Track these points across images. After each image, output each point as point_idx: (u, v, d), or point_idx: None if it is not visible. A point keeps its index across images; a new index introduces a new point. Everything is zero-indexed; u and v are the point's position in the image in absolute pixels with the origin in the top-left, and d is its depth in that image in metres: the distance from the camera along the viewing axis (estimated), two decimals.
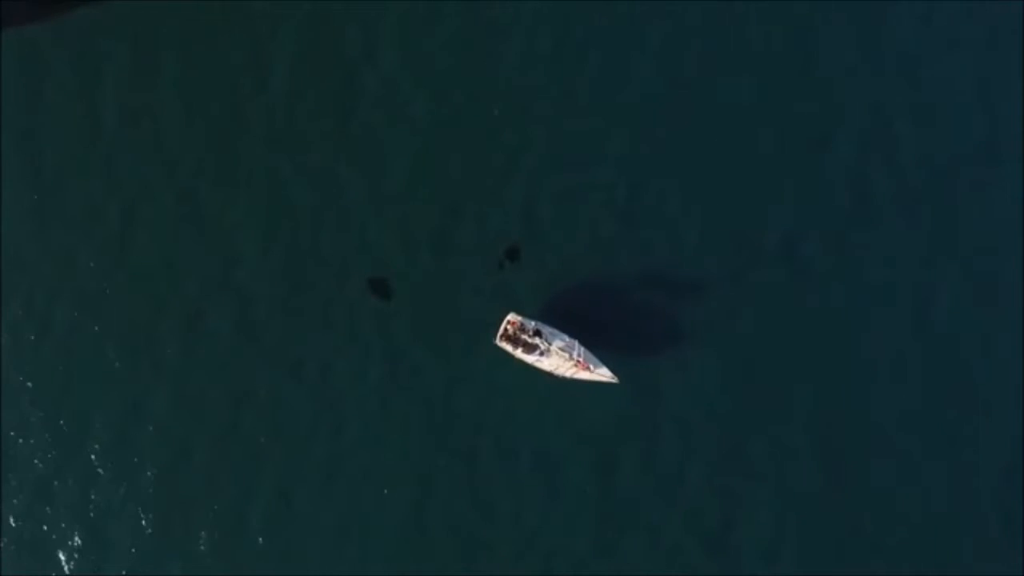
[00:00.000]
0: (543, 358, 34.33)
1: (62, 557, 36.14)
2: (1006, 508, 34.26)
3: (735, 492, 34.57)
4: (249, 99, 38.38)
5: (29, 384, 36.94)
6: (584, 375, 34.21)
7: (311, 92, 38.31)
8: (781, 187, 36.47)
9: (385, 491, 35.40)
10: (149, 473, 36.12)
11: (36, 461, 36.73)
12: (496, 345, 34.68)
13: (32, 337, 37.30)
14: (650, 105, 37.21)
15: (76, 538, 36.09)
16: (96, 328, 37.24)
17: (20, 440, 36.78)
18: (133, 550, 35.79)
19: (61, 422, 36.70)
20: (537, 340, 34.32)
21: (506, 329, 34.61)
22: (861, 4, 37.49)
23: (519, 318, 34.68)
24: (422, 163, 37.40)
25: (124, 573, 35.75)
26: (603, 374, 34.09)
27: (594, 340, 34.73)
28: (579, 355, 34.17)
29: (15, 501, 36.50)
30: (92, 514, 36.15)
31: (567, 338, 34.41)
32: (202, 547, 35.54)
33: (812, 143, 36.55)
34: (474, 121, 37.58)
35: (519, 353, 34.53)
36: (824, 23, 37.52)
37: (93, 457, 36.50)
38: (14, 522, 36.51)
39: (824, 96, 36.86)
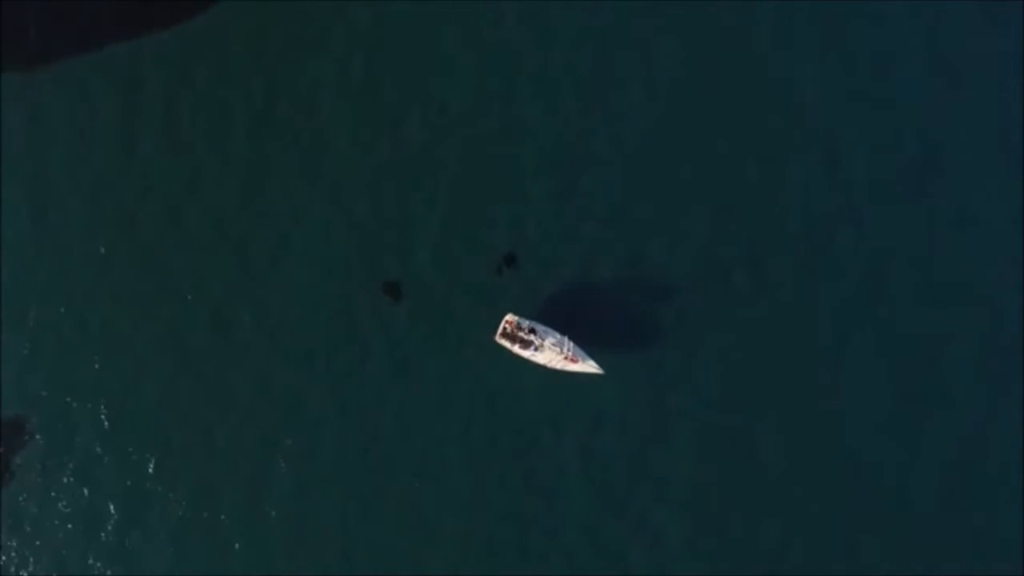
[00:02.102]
0: (537, 353, 37.39)
1: (97, 533, 38.86)
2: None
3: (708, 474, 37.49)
4: (248, 118, 41.41)
5: (63, 376, 39.99)
6: (573, 367, 37.27)
7: (312, 113, 41.08)
8: (750, 204, 39.15)
9: (390, 469, 38.22)
10: (175, 458, 39.09)
11: (75, 445, 39.57)
12: (496, 342, 37.69)
13: (66, 334, 40.29)
14: (633, 128, 39.87)
15: (114, 513, 38.98)
16: (127, 326, 40.18)
17: (57, 426, 39.73)
18: (163, 531, 38.74)
19: (101, 410, 39.69)
20: (532, 337, 37.37)
21: (504, 328, 37.65)
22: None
23: (516, 318, 37.70)
24: (431, 181, 40.12)
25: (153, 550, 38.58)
26: (590, 366, 37.17)
27: (582, 337, 37.63)
28: (569, 350, 37.18)
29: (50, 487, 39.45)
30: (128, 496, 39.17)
31: (558, 335, 37.38)
32: (224, 526, 38.43)
33: (771, 168, 39.41)
34: (476, 140, 40.19)
35: (516, 349, 37.55)
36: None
37: (127, 446, 39.40)
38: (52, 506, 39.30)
39: (783, 121, 39.73)
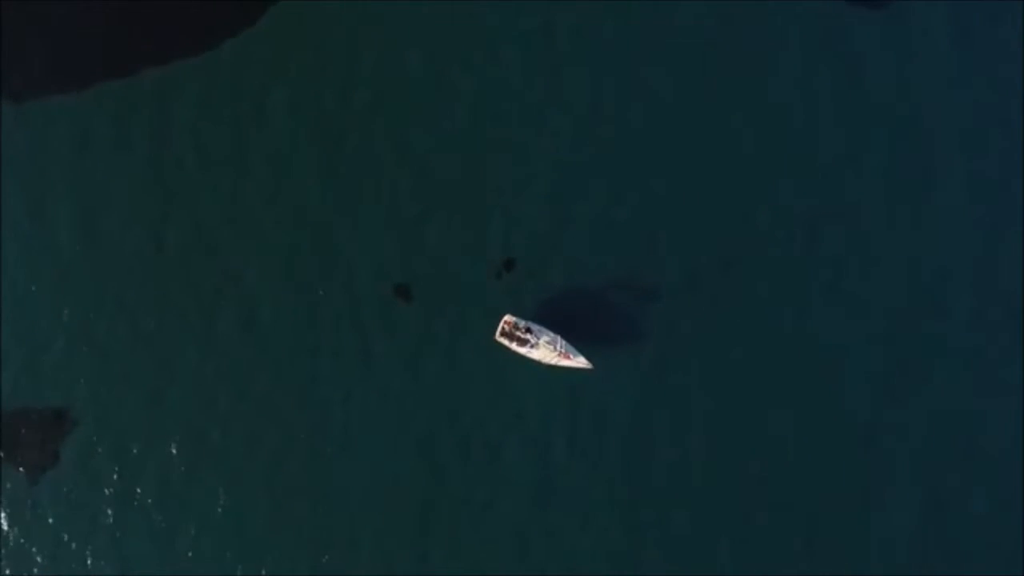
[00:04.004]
0: (533, 350, 39.80)
1: (97, 532, 40.26)
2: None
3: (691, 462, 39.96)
4: (250, 137, 42.65)
5: (64, 377, 41.31)
6: (566, 363, 39.67)
7: (310, 124, 42.24)
8: (733, 213, 41.27)
9: (393, 453, 40.31)
10: (174, 449, 40.70)
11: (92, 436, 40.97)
12: (495, 340, 40.11)
13: (67, 335, 41.52)
14: (622, 150, 41.78)
15: (113, 511, 40.52)
16: (130, 326, 41.47)
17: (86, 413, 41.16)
18: (160, 512, 40.40)
19: (100, 410, 41.17)
20: (528, 336, 39.79)
21: (503, 327, 40.06)
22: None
23: (514, 318, 40.10)
24: (437, 192, 41.99)
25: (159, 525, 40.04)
26: (581, 362, 39.61)
27: (574, 335, 39.88)
28: (562, 347, 39.61)
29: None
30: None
31: (552, 334, 39.77)
32: (219, 510, 40.20)
33: (753, 180, 41.54)
34: (479, 154, 42.03)
35: (514, 346, 39.97)
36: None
37: (127, 443, 40.85)
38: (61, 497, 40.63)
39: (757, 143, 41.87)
